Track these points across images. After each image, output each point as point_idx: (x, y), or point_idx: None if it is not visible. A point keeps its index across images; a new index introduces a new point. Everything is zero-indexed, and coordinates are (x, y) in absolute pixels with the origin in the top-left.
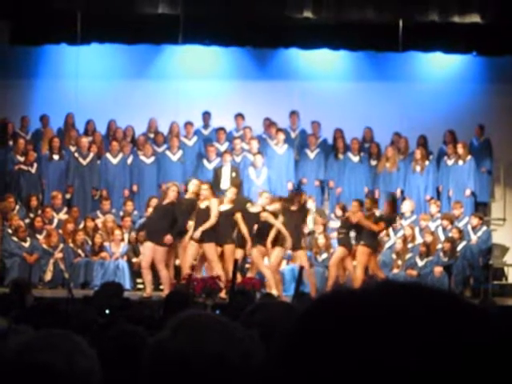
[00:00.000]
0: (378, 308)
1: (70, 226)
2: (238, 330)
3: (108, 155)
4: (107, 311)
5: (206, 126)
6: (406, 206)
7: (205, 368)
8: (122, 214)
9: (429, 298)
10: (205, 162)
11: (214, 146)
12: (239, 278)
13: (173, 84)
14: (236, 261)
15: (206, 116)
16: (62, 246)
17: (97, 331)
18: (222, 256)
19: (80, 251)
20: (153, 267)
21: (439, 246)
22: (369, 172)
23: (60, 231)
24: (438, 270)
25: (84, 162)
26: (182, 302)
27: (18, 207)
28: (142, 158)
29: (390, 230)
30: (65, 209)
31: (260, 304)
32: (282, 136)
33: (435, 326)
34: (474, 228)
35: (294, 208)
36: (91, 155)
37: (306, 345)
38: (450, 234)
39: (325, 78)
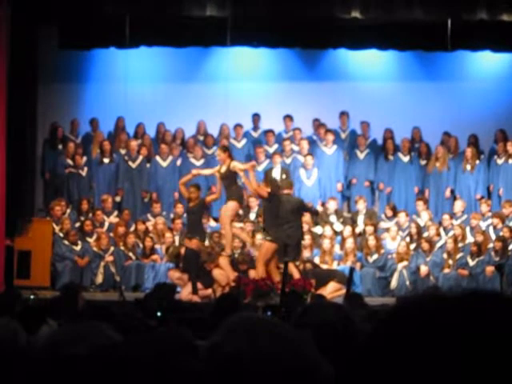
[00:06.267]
0: (460, 316)
1: (121, 229)
2: (289, 332)
3: (157, 158)
4: (159, 313)
5: (255, 127)
6: (457, 206)
7: (258, 369)
8: (172, 216)
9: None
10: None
11: (263, 148)
12: None
13: (222, 86)
14: (286, 262)
15: (256, 118)
16: (112, 248)
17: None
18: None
19: (131, 254)
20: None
21: (490, 246)
22: (419, 172)
23: (111, 234)
24: (490, 269)
25: (133, 165)
26: (233, 304)
27: (68, 211)
28: (192, 160)
29: (441, 229)
30: (115, 212)
31: (311, 305)
32: (330, 137)
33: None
34: None
35: None
36: (140, 158)
37: (389, 348)
38: (501, 233)
39: (373, 79)
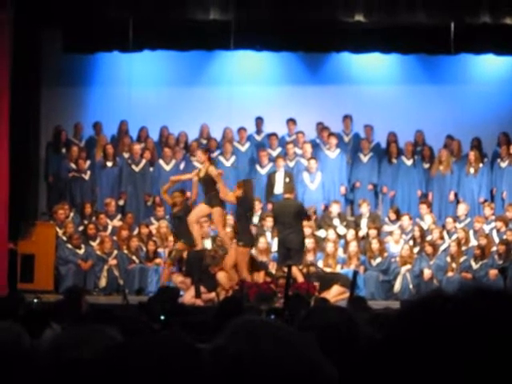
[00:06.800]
0: (466, 319)
1: (125, 233)
2: (292, 335)
3: (161, 162)
4: (162, 317)
5: (258, 131)
6: (461, 209)
7: (260, 372)
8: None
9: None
10: (257, 167)
11: (267, 151)
12: None
13: (225, 90)
14: (290, 266)
15: (259, 121)
16: (115, 252)
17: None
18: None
19: (134, 257)
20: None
21: (494, 249)
22: (422, 175)
23: (114, 238)
24: (493, 272)
25: (136, 169)
26: (236, 308)
27: (72, 214)
28: (195, 163)
29: (445, 233)
30: (118, 215)
31: (314, 308)
32: (334, 140)
33: None
34: None
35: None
36: (144, 162)
37: (395, 352)
38: (505, 237)
39: (377, 82)
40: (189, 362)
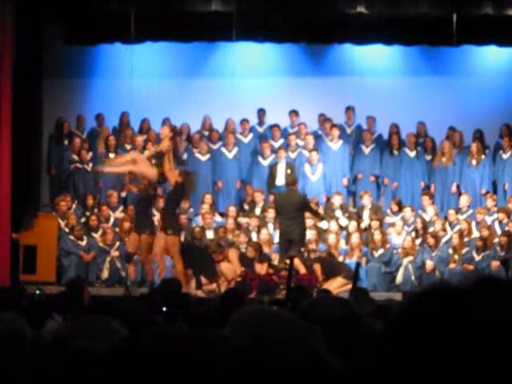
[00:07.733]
0: (469, 308)
1: (127, 224)
2: (297, 326)
3: None
4: (164, 309)
5: (260, 123)
6: (463, 201)
7: (265, 365)
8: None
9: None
10: (260, 158)
11: (269, 143)
12: None
13: (227, 81)
14: (292, 257)
15: (261, 113)
16: (118, 244)
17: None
18: None
19: None
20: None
21: (496, 240)
22: (425, 167)
23: (116, 229)
24: (495, 264)
25: None
26: (238, 299)
27: (74, 206)
28: (197, 155)
29: (447, 224)
30: (121, 207)
31: (316, 300)
32: (336, 132)
33: None
34: None
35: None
36: (146, 153)
37: (395, 344)
38: (507, 228)
39: (379, 74)
40: (203, 354)
